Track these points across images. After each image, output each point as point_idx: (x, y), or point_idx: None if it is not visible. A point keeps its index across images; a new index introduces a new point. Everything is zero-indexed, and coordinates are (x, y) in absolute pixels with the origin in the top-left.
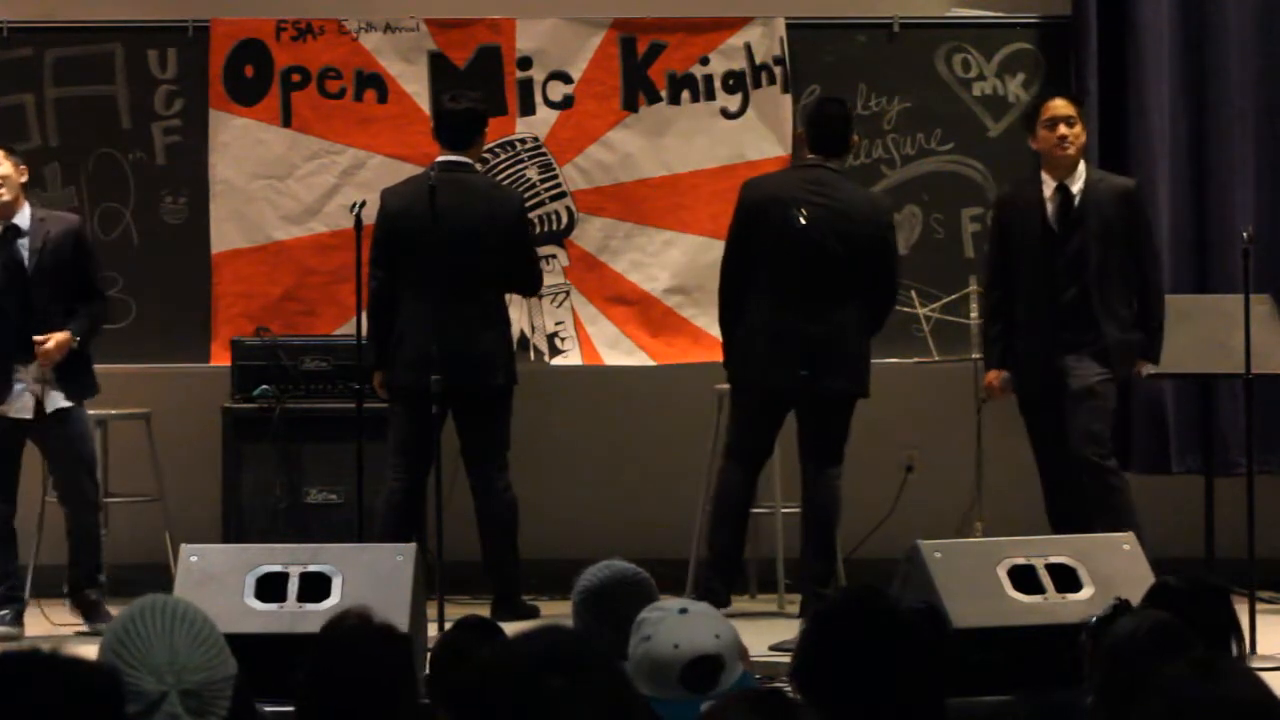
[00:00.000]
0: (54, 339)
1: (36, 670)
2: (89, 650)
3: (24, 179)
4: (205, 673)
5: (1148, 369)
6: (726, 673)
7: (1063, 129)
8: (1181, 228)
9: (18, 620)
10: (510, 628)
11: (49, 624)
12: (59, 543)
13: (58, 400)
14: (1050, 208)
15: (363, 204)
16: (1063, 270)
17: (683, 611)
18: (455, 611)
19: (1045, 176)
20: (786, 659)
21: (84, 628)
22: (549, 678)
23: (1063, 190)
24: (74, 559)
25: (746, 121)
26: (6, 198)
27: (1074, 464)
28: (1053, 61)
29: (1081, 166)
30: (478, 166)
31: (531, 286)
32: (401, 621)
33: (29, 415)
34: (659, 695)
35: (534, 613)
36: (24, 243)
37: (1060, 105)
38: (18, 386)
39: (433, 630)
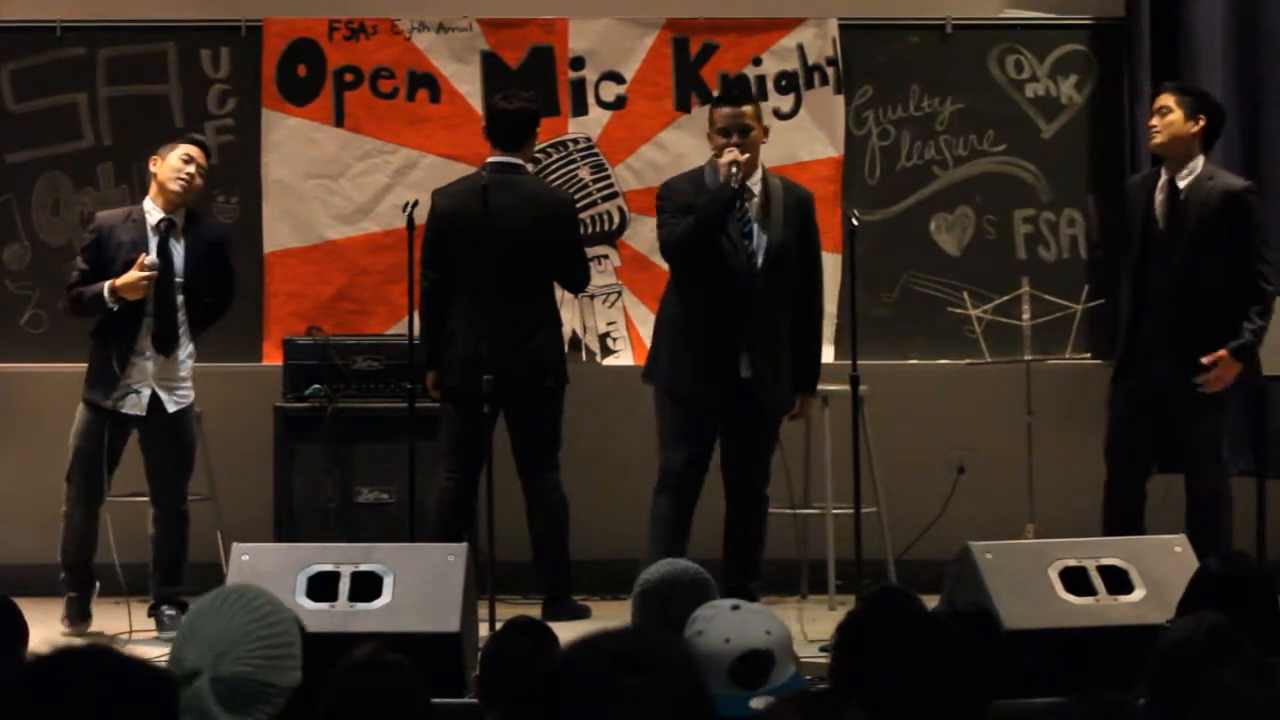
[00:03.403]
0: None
1: (92, 667)
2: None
3: (202, 179)
4: (245, 667)
5: (1222, 373)
6: (776, 670)
7: (1154, 119)
8: None
9: (86, 616)
10: (561, 628)
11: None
12: (118, 539)
13: (172, 402)
14: (1159, 201)
15: (415, 204)
16: (1156, 270)
17: (735, 608)
18: (506, 611)
19: (1163, 170)
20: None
21: (149, 635)
22: (625, 677)
23: (1171, 184)
24: (156, 571)
25: (799, 122)
26: (196, 182)
27: (1188, 479)
28: (1106, 63)
29: (1197, 161)
30: (529, 167)
31: (578, 284)
32: (453, 621)
33: (143, 413)
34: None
35: (585, 613)
36: (177, 244)
37: (1157, 100)
38: (131, 385)
39: (484, 630)
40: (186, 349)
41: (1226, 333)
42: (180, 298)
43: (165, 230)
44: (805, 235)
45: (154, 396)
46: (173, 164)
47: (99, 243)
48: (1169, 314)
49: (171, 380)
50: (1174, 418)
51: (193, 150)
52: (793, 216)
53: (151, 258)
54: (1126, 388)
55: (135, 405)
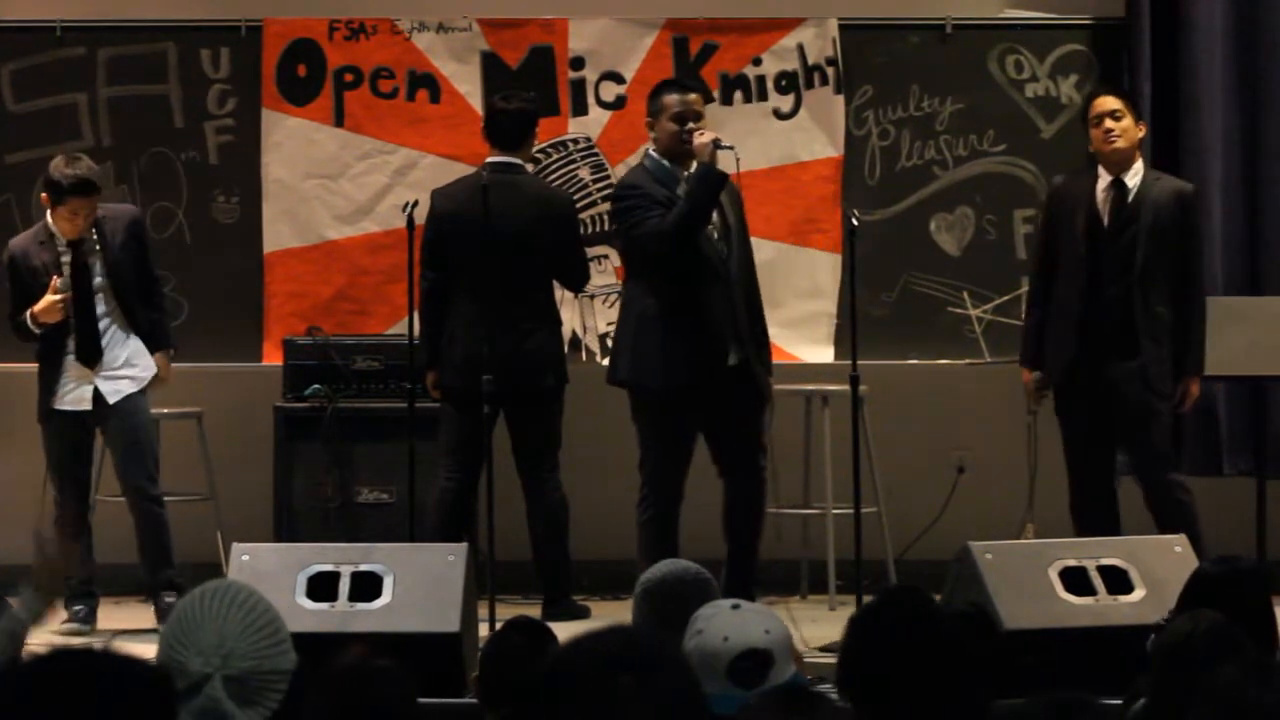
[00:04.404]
0: (164, 372)
1: (90, 667)
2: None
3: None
4: (253, 661)
5: (1194, 391)
6: (776, 669)
7: (1108, 123)
8: (1234, 229)
9: (91, 617)
10: (560, 628)
11: (120, 622)
12: (112, 539)
13: (113, 393)
14: (1103, 201)
15: (415, 204)
16: (1107, 266)
17: (735, 607)
18: (506, 611)
19: (1101, 171)
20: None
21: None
22: (620, 676)
23: (1118, 184)
24: (143, 560)
25: (799, 122)
26: (90, 230)
27: (1144, 484)
28: (1106, 63)
29: (1139, 164)
30: (529, 167)
31: (578, 284)
32: (453, 621)
33: (87, 407)
34: (707, 689)
35: (585, 613)
36: (93, 252)
37: (1104, 102)
38: (70, 384)
39: (484, 630)
40: (121, 351)
41: (1173, 332)
42: (105, 305)
43: (75, 248)
44: (742, 217)
45: (95, 390)
46: (64, 216)
47: (16, 272)
48: (1123, 312)
49: (109, 372)
50: (1127, 420)
51: (79, 207)
52: (735, 199)
53: (62, 279)
54: (1081, 390)
55: (77, 401)
